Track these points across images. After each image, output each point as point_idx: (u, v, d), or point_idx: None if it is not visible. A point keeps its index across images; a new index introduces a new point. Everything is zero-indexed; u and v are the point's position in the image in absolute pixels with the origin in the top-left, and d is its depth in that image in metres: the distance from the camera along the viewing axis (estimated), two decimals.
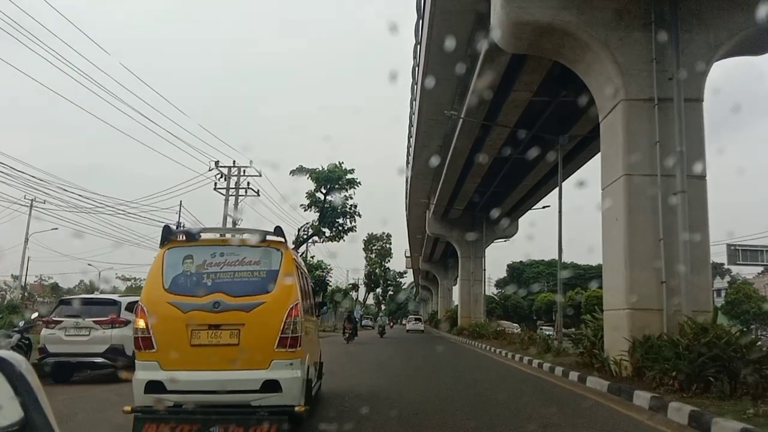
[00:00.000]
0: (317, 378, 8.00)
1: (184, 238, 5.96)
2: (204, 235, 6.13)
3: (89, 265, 63.12)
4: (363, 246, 71.02)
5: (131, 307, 11.64)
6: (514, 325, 38.60)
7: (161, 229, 5.89)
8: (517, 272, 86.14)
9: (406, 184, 41.26)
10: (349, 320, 28.26)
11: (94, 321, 10.67)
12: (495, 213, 34.75)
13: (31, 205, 38.35)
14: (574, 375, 11.81)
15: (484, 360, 18.44)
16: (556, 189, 32.69)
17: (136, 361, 5.47)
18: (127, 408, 5.22)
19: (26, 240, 43.57)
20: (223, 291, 5.56)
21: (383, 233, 71.60)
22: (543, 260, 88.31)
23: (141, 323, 5.47)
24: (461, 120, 19.43)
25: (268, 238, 5.91)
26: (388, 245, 72.53)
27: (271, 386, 5.37)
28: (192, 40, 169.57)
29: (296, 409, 5.39)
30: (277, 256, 5.82)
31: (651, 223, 10.55)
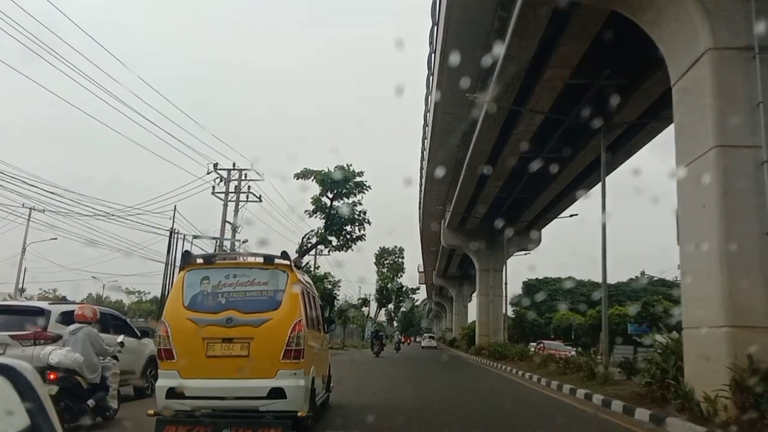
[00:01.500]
0: (326, 390, 8.54)
1: (202, 261, 6.68)
2: (219, 259, 7.04)
3: (93, 277, 61.05)
4: (374, 260, 68.59)
5: (66, 318, 9.09)
6: (566, 347, 30.91)
7: (181, 253, 7.21)
8: (533, 289, 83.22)
9: (420, 192, 38.69)
10: (377, 338, 34.77)
11: (10, 335, 8.12)
12: (517, 222, 31.98)
13: (30, 214, 36.29)
14: (642, 413, 9.01)
15: (516, 388, 15.61)
16: (585, 196, 30.17)
17: (159, 370, 6.22)
18: (150, 411, 5.81)
19: (24, 250, 41.55)
20: (235, 308, 6.16)
21: (395, 247, 69.12)
22: (560, 277, 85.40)
23: (163, 336, 6.12)
24: (485, 107, 16.83)
25: (276, 261, 6.53)
26: (400, 259, 69.96)
27: (277, 393, 5.94)
28: (203, 52, 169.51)
29: (299, 414, 5.98)
30: (283, 277, 6.43)
31: (755, 210, 7.83)
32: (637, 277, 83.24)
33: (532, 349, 27.72)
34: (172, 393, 5.92)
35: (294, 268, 6.70)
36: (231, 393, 5.92)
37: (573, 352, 22.49)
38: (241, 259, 7.06)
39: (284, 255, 6.64)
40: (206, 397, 5.97)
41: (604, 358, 14.68)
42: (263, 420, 5.82)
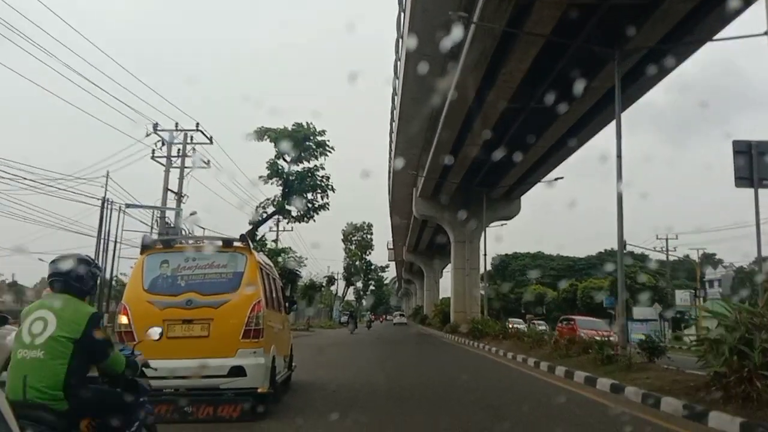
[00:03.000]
0: (287, 369, 8.84)
1: (161, 245, 7.09)
2: (178, 243, 7.42)
3: (40, 259, 56.26)
4: (342, 237, 65.64)
5: None
6: (606, 326, 21.28)
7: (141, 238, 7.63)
8: (503, 264, 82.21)
9: (390, 159, 35.61)
10: (351, 316, 41.13)
11: None
12: (497, 187, 29.23)
13: None
14: (722, 421, 6.21)
15: (512, 377, 12.83)
16: (570, 157, 27.48)
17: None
18: None
19: None
20: (194, 290, 6.48)
21: (364, 223, 66.21)
22: (528, 252, 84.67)
23: (124, 319, 6.35)
24: (470, 33, 13.69)
25: (235, 244, 6.90)
26: (369, 236, 67.10)
27: (237, 371, 6.24)
28: (172, 31, 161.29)
29: (259, 390, 6.33)
30: (242, 260, 6.75)
31: None
32: (606, 250, 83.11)
33: (514, 327, 24.91)
34: None
35: (253, 251, 6.98)
36: (192, 372, 6.06)
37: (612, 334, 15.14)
38: (200, 243, 7.34)
39: (243, 238, 6.96)
40: (168, 377, 6.00)
41: (621, 336, 11.95)
42: (224, 397, 6.17)
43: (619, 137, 12.37)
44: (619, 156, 12.24)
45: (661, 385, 8.48)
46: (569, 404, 8.29)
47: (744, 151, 9.01)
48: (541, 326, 29.87)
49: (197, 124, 24.58)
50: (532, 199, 36.63)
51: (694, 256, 49.15)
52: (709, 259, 60.09)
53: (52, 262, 3.28)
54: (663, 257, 48.20)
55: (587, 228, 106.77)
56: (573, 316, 23.71)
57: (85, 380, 3.19)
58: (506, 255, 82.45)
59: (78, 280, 3.22)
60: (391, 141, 33.41)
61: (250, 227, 24.55)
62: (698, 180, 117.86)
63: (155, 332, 6.26)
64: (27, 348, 3.04)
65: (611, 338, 12.03)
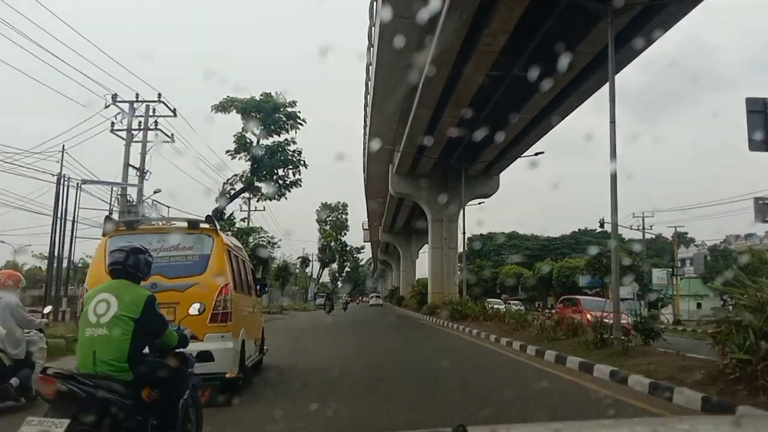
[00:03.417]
0: (259, 353, 8.80)
1: (125, 227, 7.10)
2: (142, 224, 7.53)
3: (2, 241, 53.74)
4: (316, 217, 64.43)
5: None
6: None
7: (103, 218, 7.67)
8: (479, 244, 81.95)
9: (365, 135, 34.42)
10: (328, 298, 40.90)
11: None
12: (476, 163, 28.22)
13: None
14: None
15: (503, 364, 11.93)
16: (550, 132, 26.59)
17: None
18: None
19: None
20: (160, 274, 5.99)
21: (338, 203, 65.04)
22: (503, 232, 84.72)
23: None
24: None
25: (201, 225, 6.92)
26: (344, 216, 66.00)
27: (205, 356, 5.95)
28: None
29: (227, 375, 6.39)
30: (209, 242, 6.72)
31: None
32: (580, 229, 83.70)
33: (493, 308, 23.96)
34: None
35: (220, 233, 6.96)
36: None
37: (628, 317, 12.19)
38: (165, 224, 7.48)
39: (209, 219, 7.07)
40: None
41: (615, 318, 11.06)
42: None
43: (613, 102, 11.40)
44: (612, 122, 11.27)
45: (669, 372, 7.59)
46: (569, 395, 7.34)
47: (759, 110, 8.06)
48: (519, 307, 29.25)
49: (159, 95, 22.93)
50: (506, 179, 35.73)
51: (668, 234, 48.78)
52: (681, 238, 60.44)
53: (112, 252, 3.91)
54: (636, 235, 47.85)
55: (561, 207, 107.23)
56: (578, 296, 21.33)
57: (144, 354, 3.61)
58: (481, 235, 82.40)
59: (134, 267, 3.72)
60: (366, 116, 32.18)
61: (217, 206, 23.17)
62: (671, 159, 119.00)
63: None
64: (94, 327, 3.48)
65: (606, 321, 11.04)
